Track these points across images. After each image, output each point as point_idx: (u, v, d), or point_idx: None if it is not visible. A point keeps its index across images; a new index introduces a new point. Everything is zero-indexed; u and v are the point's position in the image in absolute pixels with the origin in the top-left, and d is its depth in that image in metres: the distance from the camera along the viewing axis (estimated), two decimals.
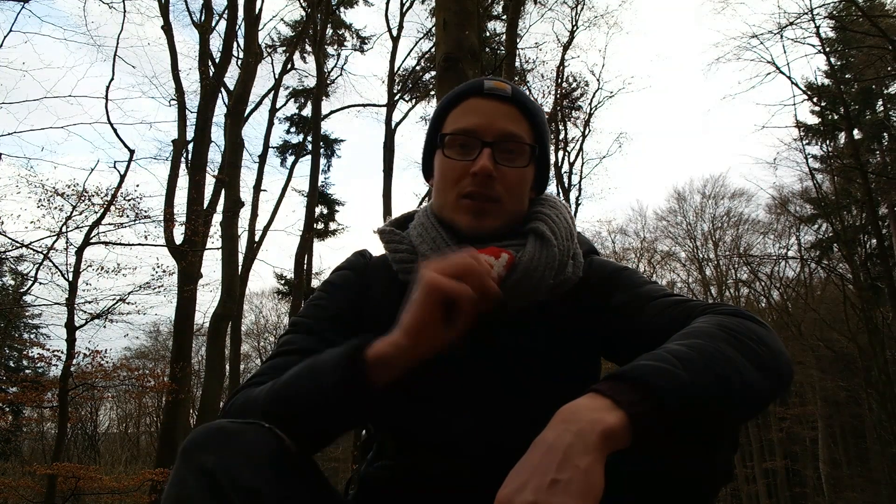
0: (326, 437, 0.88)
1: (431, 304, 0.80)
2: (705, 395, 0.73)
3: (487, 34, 15.31)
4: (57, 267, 9.53)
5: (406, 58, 17.78)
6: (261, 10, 12.86)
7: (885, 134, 16.86)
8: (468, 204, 1.05)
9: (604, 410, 0.69)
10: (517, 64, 14.56)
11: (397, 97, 16.87)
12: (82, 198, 9.63)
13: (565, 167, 17.71)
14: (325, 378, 0.83)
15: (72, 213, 9.63)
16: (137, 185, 16.88)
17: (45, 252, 9.48)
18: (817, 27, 12.18)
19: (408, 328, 0.81)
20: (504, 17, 14.99)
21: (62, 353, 9.53)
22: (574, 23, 17.01)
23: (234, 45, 12.94)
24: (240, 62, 12.59)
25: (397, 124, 16.33)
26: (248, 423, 0.79)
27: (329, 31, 17.56)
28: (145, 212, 10.34)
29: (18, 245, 9.55)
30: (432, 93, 15.25)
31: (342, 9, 18.26)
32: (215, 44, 13.34)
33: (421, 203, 14.24)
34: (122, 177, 10.35)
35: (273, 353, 1.05)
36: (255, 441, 0.76)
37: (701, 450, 0.81)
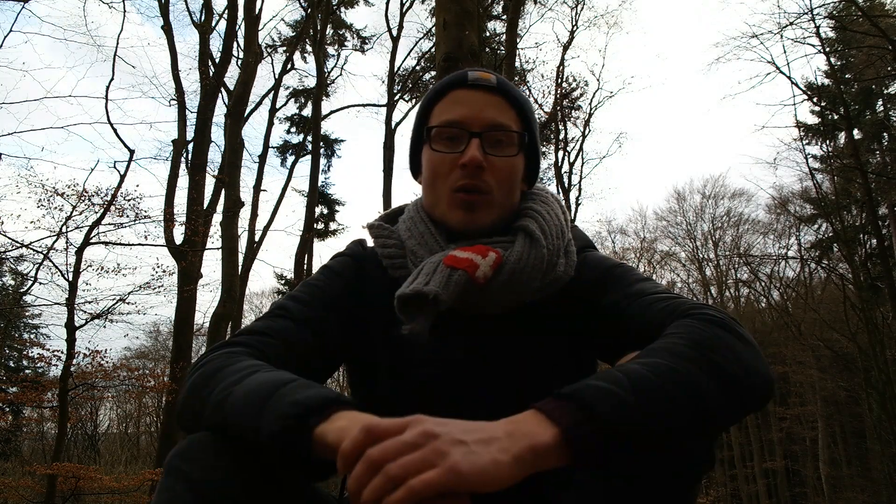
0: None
1: None
2: (652, 419, 0.71)
3: (487, 34, 15.30)
4: (57, 267, 9.51)
5: (406, 58, 17.84)
6: (261, 10, 12.85)
7: (885, 134, 16.84)
8: (461, 198, 1.03)
9: (538, 426, 0.68)
10: (517, 64, 14.56)
11: (397, 97, 16.89)
12: (82, 198, 9.60)
13: (565, 167, 17.71)
14: (267, 417, 0.72)
15: (72, 213, 9.61)
16: (137, 185, 17.03)
17: (45, 252, 9.47)
18: (817, 27, 12.17)
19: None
20: (504, 17, 14.99)
21: (62, 353, 9.51)
22: (574, 23, 17.06)
23: (234, 45, 12.96)
24: (240, 62, 12.58)
25: (397, 124, 16.35)
26: None
27: (329, 31, 17.58)
28: (145, 212, 10.32)
29: (18, 245, 9.54)
30: None
31: (342, 9, 18.27)
32: (215, 44, 13.38)
33: None
34: (122, 177, 10.36)
35: (264, 315, 1.00)
36: (243, 452, 0.75)
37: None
